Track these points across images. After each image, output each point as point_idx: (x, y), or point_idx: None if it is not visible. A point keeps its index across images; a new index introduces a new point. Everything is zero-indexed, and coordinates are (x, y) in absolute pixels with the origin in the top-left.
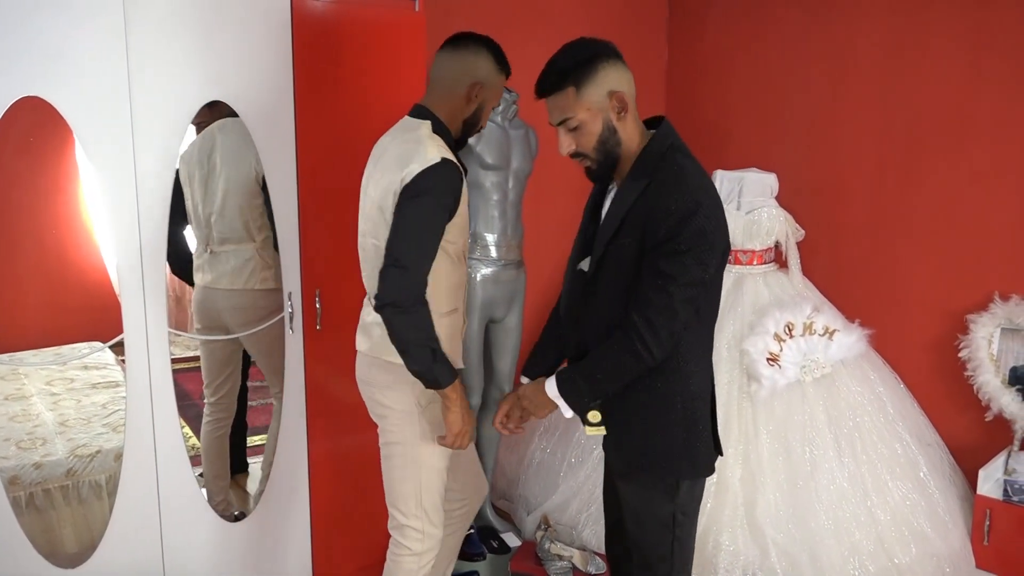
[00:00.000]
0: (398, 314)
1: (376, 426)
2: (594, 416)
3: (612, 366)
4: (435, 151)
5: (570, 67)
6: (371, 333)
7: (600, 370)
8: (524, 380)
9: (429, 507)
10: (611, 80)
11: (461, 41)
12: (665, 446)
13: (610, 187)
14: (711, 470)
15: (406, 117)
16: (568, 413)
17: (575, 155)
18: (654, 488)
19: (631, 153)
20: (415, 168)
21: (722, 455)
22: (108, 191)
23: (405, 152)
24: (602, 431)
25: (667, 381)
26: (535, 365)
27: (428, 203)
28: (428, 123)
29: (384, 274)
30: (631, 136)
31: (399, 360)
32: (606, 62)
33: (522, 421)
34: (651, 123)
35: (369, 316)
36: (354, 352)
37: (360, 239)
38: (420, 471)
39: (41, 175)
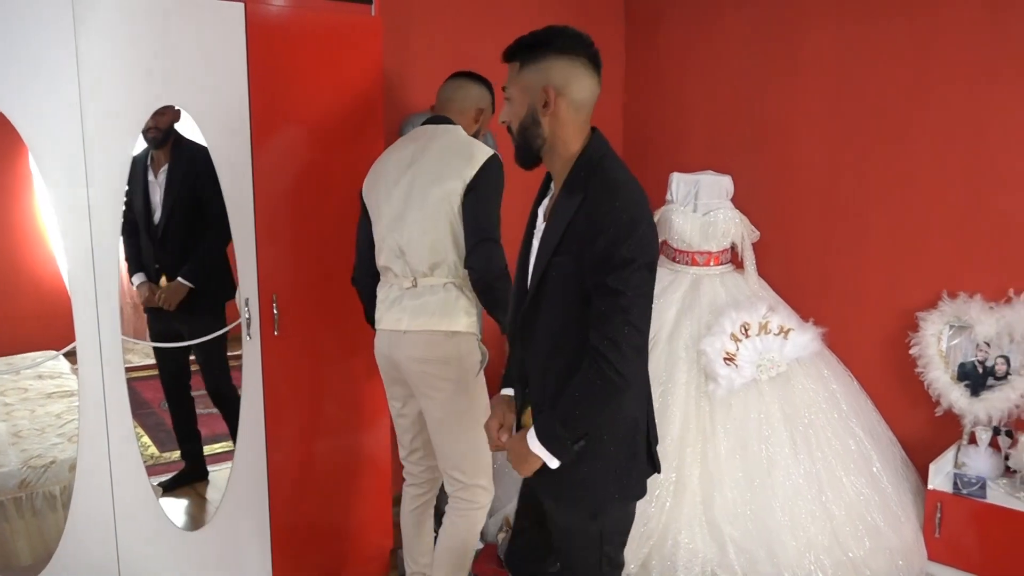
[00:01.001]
0: (506, 279)
1: (337, 432)
2: (528, 419)
3: (587, 399)
4: (484, 146)
5: (527, 43)
6: (425, 309)
7: (576, 407)
8: (506, 392)
9: (486, 465)
10: (551, 73)
11: (471, 75)
12: (597, 474)
13: (548, 193)
14: (644, 492)
15: (429, 125)
16: (554, 463)
17: (508, 129)
18: (583, 511)
19: (563, 156)
20: (481, 159)
21: (659, 473)
22: (59, 198)
23: (463, 148)
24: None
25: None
26: (508, 377)
27: (498, 187)
28: (460, 127)
29: (483, 250)
30: (561, 138)
31: (462, 328)
32: (557, 55)
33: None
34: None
35: (418, 296)
36: (314, 357)
37: (385, 236)
38: (477, 434)
39: None
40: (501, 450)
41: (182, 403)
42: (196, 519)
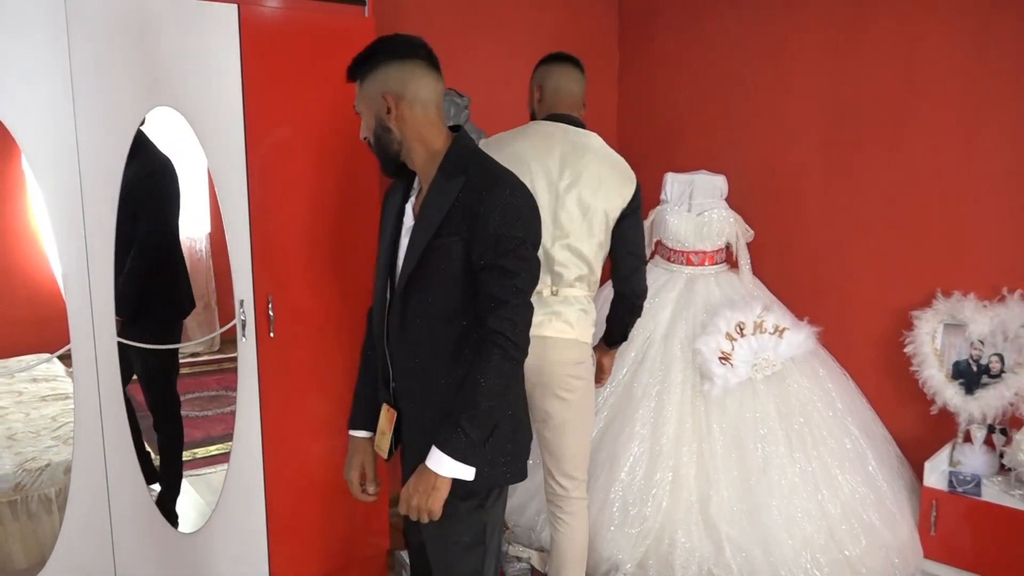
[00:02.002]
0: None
1: (333, 433)
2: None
3: (493, 385)
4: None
5: (360, 59)
6: (573, 320)
7: (483, 397)
8: (357, 433)
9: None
10: (387, 81)
11: (575, 62)
12: (489, 456)
13: (412, 190)
14: (522, 473)
15: (562, 124)
16: (470, 474)
17: (368, 144)
18: (466, 505)
19: (426, 153)
20: (634, 177)
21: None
22: (53, 200)
23: (618, 163)
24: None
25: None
26: (360, 414)
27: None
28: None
29: (641, 274)
30: (416, 138)
31: (591, 339)
32: (388, 63)
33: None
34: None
35: (573, 307)
36: (310, 359)
37: (563, 242)
38: (590, 435)
39: None
40: (368, 501)
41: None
42: None
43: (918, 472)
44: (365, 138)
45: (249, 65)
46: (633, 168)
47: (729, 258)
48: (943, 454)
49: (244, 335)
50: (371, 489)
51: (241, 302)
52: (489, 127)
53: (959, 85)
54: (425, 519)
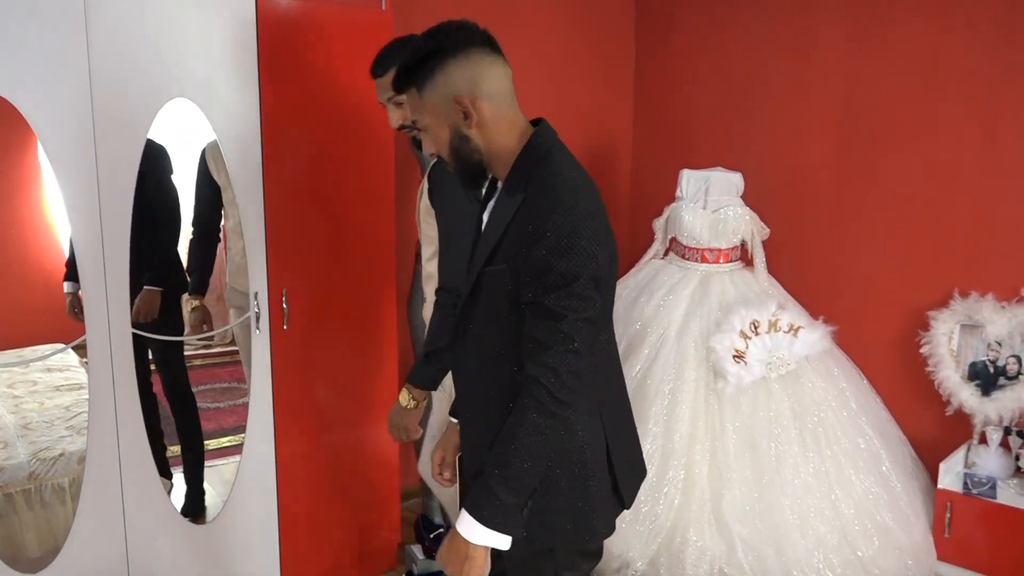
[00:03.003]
0: None
1: (345, 426)
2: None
3: (530, 444)
4: None
5: (410, 66)
6: None
7: (517, 458)
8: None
9: None
10: (455, 82)
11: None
12: (550, 509)
13: (495, 194)
14: (608, 530)
15: None
16: (506, 544)
17: (438, 157)
18: (538, 548)
19: (504, 157)
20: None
21: (626, 508)
22: (69, 190)
23: None
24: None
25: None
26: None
27: None
28: None
29: None
30: (497, 141)
31: None
32: (449, 60)
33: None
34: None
35: None
36: (323, 352)
37: None
38: None
39: (2, 176)
40: (444, 485)
41: (146, 400)
42: None
43: (933, 473)
44: (433, 154)
45: (266, 58)
46: (649, 164)
47: (744, 256)
48: (958, 456)
49: (258, 327)
50: (446, 474)
51: (255, 294)
52: None
53: (979, 83)
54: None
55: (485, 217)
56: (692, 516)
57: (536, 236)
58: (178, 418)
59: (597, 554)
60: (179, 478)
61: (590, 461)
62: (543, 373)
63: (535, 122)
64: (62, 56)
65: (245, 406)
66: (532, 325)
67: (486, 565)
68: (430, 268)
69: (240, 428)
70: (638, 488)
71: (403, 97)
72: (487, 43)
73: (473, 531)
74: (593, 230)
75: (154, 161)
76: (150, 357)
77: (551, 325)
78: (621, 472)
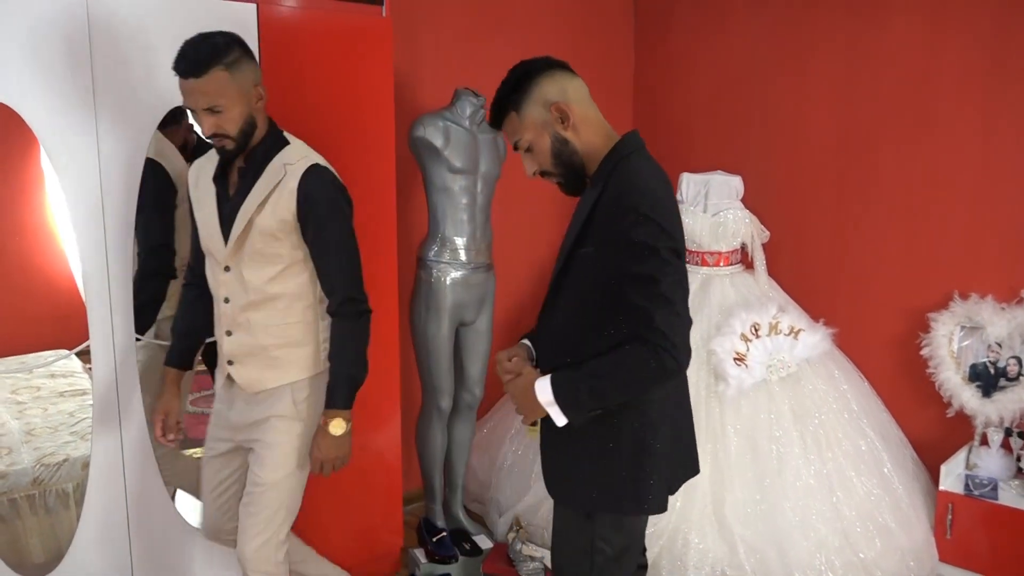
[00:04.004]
0: None
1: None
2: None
3: (626, 374)
4: None
5: (505, 93)
6: None
7: (610, 380)
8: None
9: None
10: (547, 92)
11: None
12: (590, 477)
13: None
14: (646, 509)
15: None
16: (561, 421)
17: (542, 174)
18: (574, 514)
19: (596, 156)
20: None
21: (671, 493)
22: (73, 198)
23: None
24: (535, 434)
25: (619, 414)
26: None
27: None
28: None
29: None
30: (590, 142)
31: None
32: (539, 77)
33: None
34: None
35: None
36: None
37: None
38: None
39: (5, 182)
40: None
41: None
42: None
43: (934, 475)
44: (536, 172)
45: (268, 64)
46: None
47: (744, 259)
48: (959, 457)
49: None
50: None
51: None
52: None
53: (977, 85)
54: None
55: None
56: (694, 519)
57: (617, 217)
58: None
59: (631, 534)
60: None
61: (650, 439)
62: (655, 335)
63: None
64: (66, 63)
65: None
66: (631, 293)
67: (532, 410)
68: None
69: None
70: (683, 481)
71: (223, 104)
72: (563, 65)
73: (544, 391)
74: (668, 211)
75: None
76: None
77: (648, 290)
78: (677, 461)
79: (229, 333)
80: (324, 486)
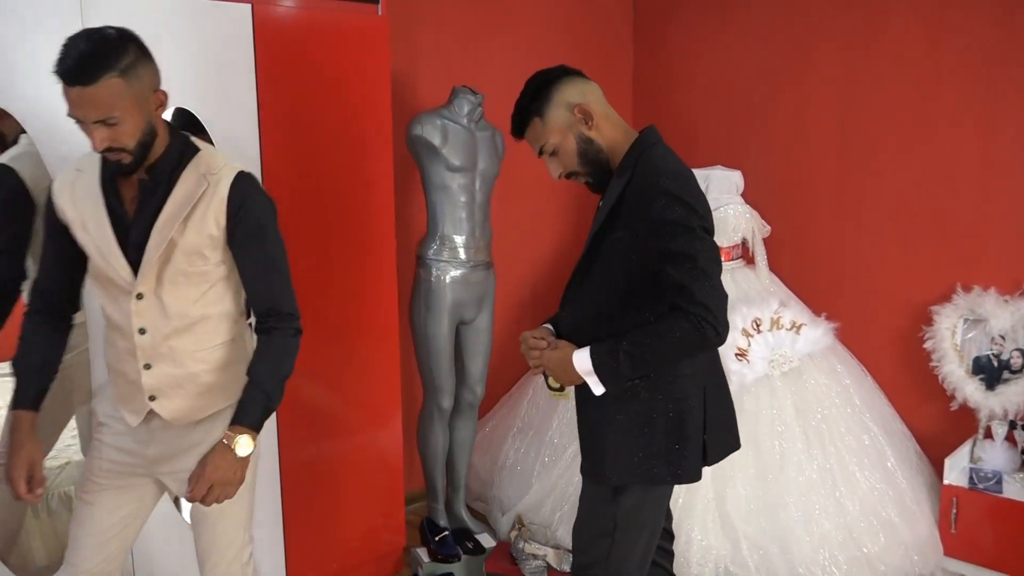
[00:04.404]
0: None
1: (348, 430)
2: (554, 382)
3: (670, 344)
4: None
5: (527, 102)
6: None
7: (652, 351)
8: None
9: None
10: (568, 96)
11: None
12: (622, 448)
13: None
14: (680, 476)
15: None
16: (599, 389)
17: (568, 176)
18: (598, 489)
19: (619, 151)
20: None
21: (708, 464)
22: None
23: None
24: (564, 396)
25: (652, 386)
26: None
27: None
28: None
29: None
30: (611, 138)
31: None
32: (559, 83)
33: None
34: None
35: None
36: (325, 357)
37: None
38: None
39: None
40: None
41: None
42: None
43: (938, 469)
44: (563, 174)
45: (263, 65)
46: None
47: (746, 254)
48: (963, 451)
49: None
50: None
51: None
52: (503, 124)
53: (977, 77)
54: (535, 363)
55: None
56: (696, 515)
57: (649, 199)
58: None
59: (653, 515)
60: None
61: (687, 418)
62: (700, 310)
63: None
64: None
65: None
66: (670, 271)
67: (569, 380)
68: None
69: None
70: (725, 455)
71: (118, 115)
72: (578, 71)
73: (582, 359)
74: (697, 192)
75: None
76: None
77: (686, 266)
78: (711, 431)
79: (148, 367)
80: (328, 486)
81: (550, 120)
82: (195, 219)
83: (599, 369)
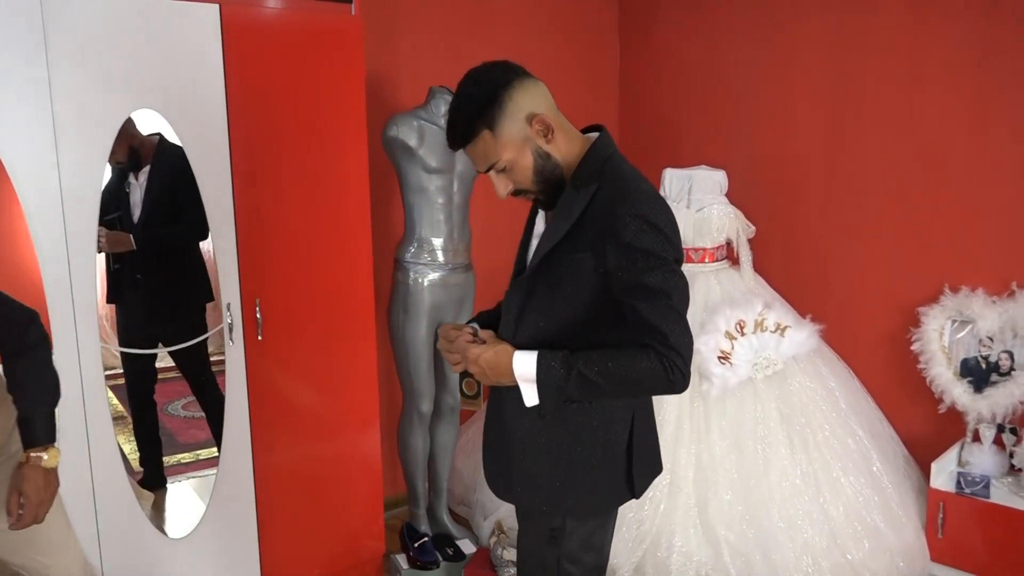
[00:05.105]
0: None
1: (326, 435)
2: (470, 387)
3: (629, 375)
4: None
5: (475, 111)
6: None
7: (607, 377)
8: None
9: None
10: (524, 104)
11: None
12: (550, 483)
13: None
14: (609, 505)
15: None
16: (531, 400)
17: (516, 194)
18: (538, 535)
19: (575, 163)
20: None
21: (636, 497)
22: (32, 205)
23: None
24: (475, 406)
25: (586, 408)
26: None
27: None
28: None
29: None
30: (567, 151)
31: None
32: (511, 87)
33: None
34: (589, 131)
35: None
36: (300, 362)
37: None
38: None
39: None
40: (452, 349)
41: (146, 408)
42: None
43: (926, 472)
44: (517, 191)
45: (232, 66)
46: (635, 164)
47: (730, 255)
48: (951, 454)
49: (231, 339)
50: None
51: (228, 305)
52: None
53: (963, 75)
54: (471, 368)
55: (538, 221)
56: (678, 521)
57: (619, 222)
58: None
59: (599, 549)
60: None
61: (613, 446)
62: (672, 355)
63: (593, 128)
64: (19, 68)
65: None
66: (643, 309)
67: (496, 377)
68: None
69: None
70: (650, 482)
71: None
72: (523, 72)
73: (522, 364)
74: (668, 217)
75: (179, 160)
76: (157, 366)
77: (662, 304)
78: (637, 460)
79: None
80: (305, 493)
81: (503, 133)
82: None
83: (543, 379)
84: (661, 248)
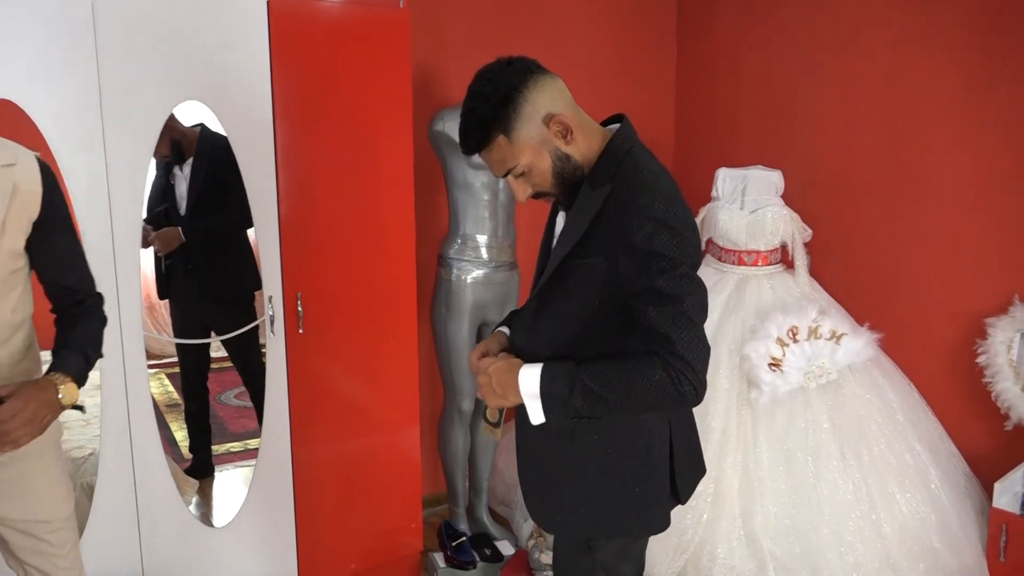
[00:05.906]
0: None
1: (366, 430)
2: (492, 414)
3: (636, 388)
4: None
5: (489, 115)
6: None
7: (612, 390)
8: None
9: None
10: (541, 104)
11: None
12: (605, 503)
13: None
14: (654, 525)
15: None
16: (537, 418)
17: (536, 196)
18: (573, 546)
19: (592, 162)
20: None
21: (682, 503)
22: (79, 195)
23: None
24: (496, 434)
25: (614, 420)
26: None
27: None
28: None
29: None
30: (587, 149)
31: None
32: (526, 87)
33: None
34: (610, 121)
35: None
36: (341, 356)
37: None
38: None
39: None
40: (477, 371)
41: (199, 397)
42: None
43: (988, 492)
44: (538, 194)
45: (278, 59)
46: (691, 163)
47: (785, 258)
48: (1016, 474)
49: (272, 331)
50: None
51: (270, 298)
52: None
53: None
54: (481, 380)
55: (558, 221)
56: (721, 532)
57: (634, 227)
58: (250, 388)
59: (636, 558)
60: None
61: (656, 455)
62: (681, 365)
63: (614, 119)
64: (70, 61)
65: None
66: (653, 315)
67: (502, 390)
68: None
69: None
70: (696, 485)
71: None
72: (537, 65)
73: (527, 380)
74: (684, 217)
75: (223, 149)
76: (211, 356)
77: (672, 309)
78: (680, 467)
79: None
80: (344, 487)
81: (520, 137)
82: (12, 218)
83: (547, 395)
84: (674, 250)
